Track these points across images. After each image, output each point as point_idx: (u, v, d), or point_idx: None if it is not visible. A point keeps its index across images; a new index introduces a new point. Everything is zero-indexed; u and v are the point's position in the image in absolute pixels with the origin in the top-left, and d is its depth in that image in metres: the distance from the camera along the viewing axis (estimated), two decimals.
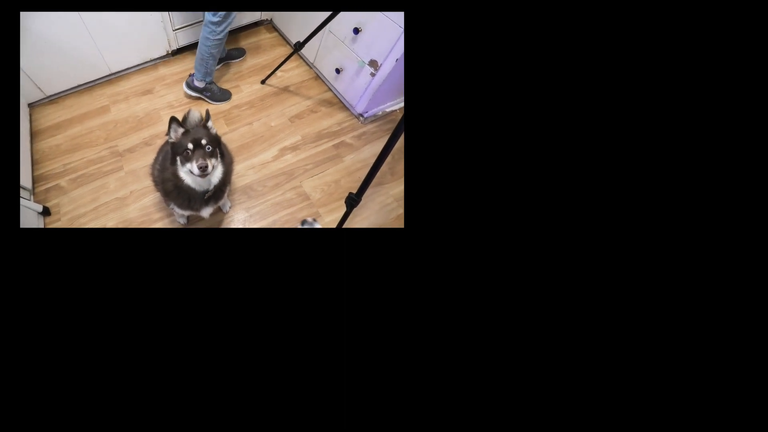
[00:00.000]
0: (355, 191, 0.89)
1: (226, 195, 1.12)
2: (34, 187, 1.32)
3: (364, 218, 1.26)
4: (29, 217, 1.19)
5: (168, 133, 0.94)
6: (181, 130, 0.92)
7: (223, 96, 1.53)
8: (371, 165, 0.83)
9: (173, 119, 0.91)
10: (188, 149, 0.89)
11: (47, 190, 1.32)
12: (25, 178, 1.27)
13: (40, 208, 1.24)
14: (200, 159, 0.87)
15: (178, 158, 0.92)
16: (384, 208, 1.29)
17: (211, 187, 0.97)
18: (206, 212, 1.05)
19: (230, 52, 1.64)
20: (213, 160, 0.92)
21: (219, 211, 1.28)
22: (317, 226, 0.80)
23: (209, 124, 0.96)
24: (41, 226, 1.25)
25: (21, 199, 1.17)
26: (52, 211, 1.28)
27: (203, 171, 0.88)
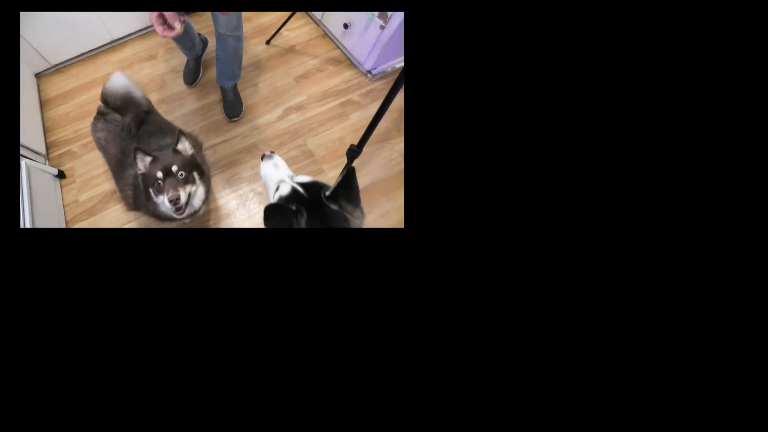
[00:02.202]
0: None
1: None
2: (47, 153, 1.41)
3: (367, 173, 1.28)
4: (46, 180, 1.27)
5: (135, 164, 0.86)
6: (148, 159, 0.85)
7: (186, 78, 1.50)
8: None
9: (137, 149, 0.84)
10: (158, 179, 0.82)
11: (60, 156, 1.41)
12: (39, 145, 1.35)
13: (55, 171, 1.33)
14: (171, 190, 0.81)
15: (150, 190, 0.86)
16: (388, 163, 1.31)
17: (196, 210, 0.91)
18: (201, 211, 1.03)
19: (227, 94, 1.43)
20: (189, 187, 0.85)
21: None
22: (276, 158, 0.76)
23: (180, 146, 0.87)
24: (58, 189, 1.34)
25: (36, 163, 1.25)
26: (67, 173, 1.37)
27: (175, 204, 0.82)
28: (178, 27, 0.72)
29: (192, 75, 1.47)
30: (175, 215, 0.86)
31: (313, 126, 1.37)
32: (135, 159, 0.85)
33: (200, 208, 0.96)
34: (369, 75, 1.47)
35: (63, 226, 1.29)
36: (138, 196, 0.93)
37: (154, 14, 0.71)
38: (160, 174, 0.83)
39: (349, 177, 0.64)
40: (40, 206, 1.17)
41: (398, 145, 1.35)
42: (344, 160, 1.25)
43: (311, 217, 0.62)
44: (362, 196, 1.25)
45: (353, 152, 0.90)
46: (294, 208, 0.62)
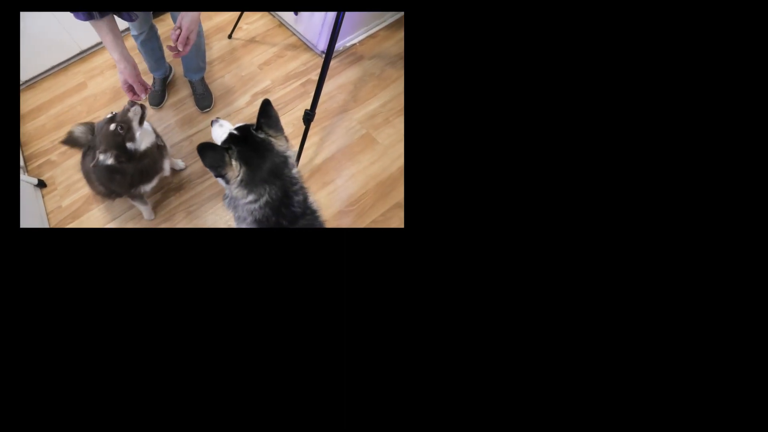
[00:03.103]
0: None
1: (168, 148, 1.24)
2: (26, 165, 1.46)
3: (332, 142, 1.43)
4: (27, 189, 1.33)
5: (97, 158, 0.99)
6: (108, 155, 0.99)
7: (152, 100, 1.57)
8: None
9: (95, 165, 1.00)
10: (118, 127, 0.97)
11: (40, 166, 1.46)
12: None
13: (35, 181, 1.38)
14: (132, 109, 0.98)
15: (128, 144, 1.00)
16: (349, 131, 1.46)
17: (154, 134, 1.08)
18: (167, 166, 1.19)
19: (196, 87, 1.51)
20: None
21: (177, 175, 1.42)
22: (221, 121, 0.87)
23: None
24: (39, 198, 1.40)
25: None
26: (48, 182, 1.43)
27: (138, 105, 0.99)
28: (144, 96, 1.01)
29: (158, 97, 1.54)
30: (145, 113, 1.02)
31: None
32: (97, 158, 0.99)
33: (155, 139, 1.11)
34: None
35: None
36: (110, 181, 1.08)
37: (125, 85, 0.97)
38: (112, 126, 0.97)
39: (264, 106, 0.79)
40: (25, 215, 1.22)
41: (356, 115, 1.50)
42: (311, 132, 1.39)
43: (242, 148, 0.77)
44: (329, 164, 1.43)
45: (308, 115, 1.05)
46: (226, 146, 0.77)
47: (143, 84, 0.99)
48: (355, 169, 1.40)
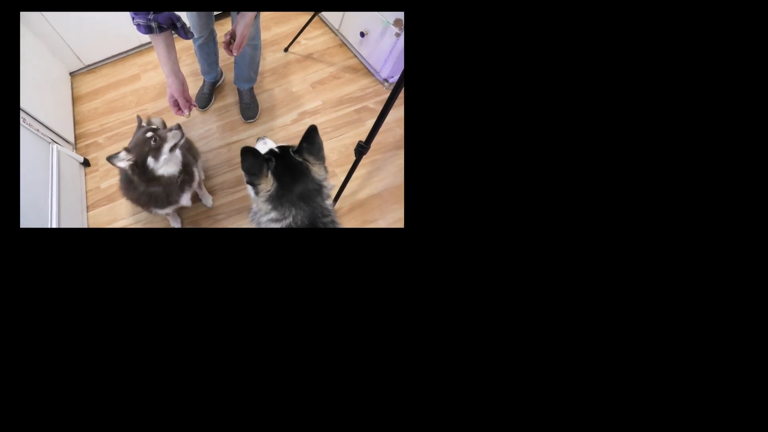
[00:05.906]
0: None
1: (199, 182, 1.20)
2: (76, 143, 1.56)
3: (380, 179, 1.34)
4: (73, 165, 1.42)
5: (119, 162, 0.99)
6: (129, 157, 0.99)
7: (198, 102, 1.60)
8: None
9: (109, 158, 0.99)
10: (153, 138, 0.98)
11: (87, 146, 1.56)
12: (69, 135, 1.50)
13: (81, 158, 1.48)
14: (172, 132, 0.99)
15: (149, 159, 0.99)
16: (401, 171, 1.36)
17: (180, 166, 1.07)
18: (185, 199, 1.15)
19: (243, 96, 1.53)
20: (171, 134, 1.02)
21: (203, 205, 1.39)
22: (267, 140, 0.90)
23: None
24: (82, 175, 1.49)
25: (66, 149, 1.38)
26: (92, 163, 1.51)
27: (180, 131, 1.00)
28: (187, 113, 1.02)
29: (205, 99, 1.58)
30: (180, 141, 1.03)
31: (327, 130, 1.45)
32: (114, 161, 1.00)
33: (185, 175, 1.10)
34: (386, 83, 1.54)
35: (84, 209, 1.42)
36: (126, 188, 1.09)
37: (171, 99, 0.99)
38: (149, 134, 0.98)
39: (310, 132, 0.80)
40: (66, 189, 1.29)
41: None
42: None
43: (278, 164, 0.78)
44: (374, 202, 1.33)
45: (361, 148, 0.98)
46: (266, 157, 0.79)
47: (189, 100, 1.01)
48: (401, 214, 1.30)
